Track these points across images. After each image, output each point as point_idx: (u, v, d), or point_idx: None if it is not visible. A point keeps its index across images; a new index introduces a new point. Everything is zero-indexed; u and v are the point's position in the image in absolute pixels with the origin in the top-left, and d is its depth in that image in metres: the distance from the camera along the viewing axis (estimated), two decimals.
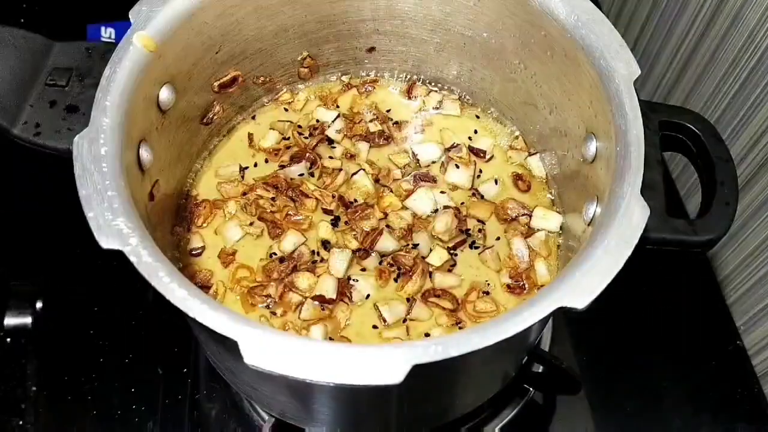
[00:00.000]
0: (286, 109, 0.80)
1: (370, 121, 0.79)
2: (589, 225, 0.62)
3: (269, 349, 0.44)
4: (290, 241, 0.69)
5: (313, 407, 0.63)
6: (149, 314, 0.85)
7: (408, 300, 0.67)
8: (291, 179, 0.74)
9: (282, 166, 0.75)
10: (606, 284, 0.48)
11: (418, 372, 0.43)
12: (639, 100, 0.56)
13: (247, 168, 0.75)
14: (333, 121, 0.78)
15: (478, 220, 0.73)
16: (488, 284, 0.69)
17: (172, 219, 0.71)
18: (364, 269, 0.69)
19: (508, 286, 0.69)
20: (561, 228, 0.71)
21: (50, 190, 0.83)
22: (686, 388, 0.86)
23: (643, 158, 0.53)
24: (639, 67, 0.57)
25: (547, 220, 0.71)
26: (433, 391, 0.61)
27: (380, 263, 0.69)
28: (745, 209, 0.91)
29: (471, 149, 0.77)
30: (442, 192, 0.74)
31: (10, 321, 0.85)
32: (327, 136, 0.77)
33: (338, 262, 0.68)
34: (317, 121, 0.79)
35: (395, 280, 0.69)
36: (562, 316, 0.87)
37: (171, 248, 0.68)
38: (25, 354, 0.83)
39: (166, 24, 0.60)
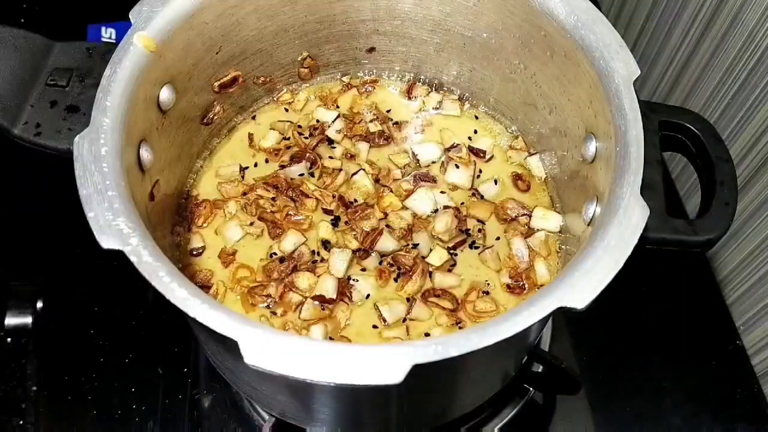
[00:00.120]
0: (286, 110, 0.80)
1: (370, 121, 0.79)
2: (588, 225, 0.62)
3: (269, 349, 0.44)
4: (290, 241, 0.69)
5: (314, 407, 0.63)
6: (149, 314, 0.85)
7: (408, 300, 0.68)
8: (291, 179, 0.74)
9: (282, 166, 0.75)
10: (606, 284, 0.48)
11: (418, 372, 0.43)
12: (638, 100, 0.56)
13: (247, 168, 0.75)
14: (333, 122, 0.78)
15: (478, 220, 0.73)
16: (488, 284, 0.69)
17: (173, 219, 0.71)
18: (364, 269, 0.69)
19: (508, 286, 0.69)
20: (561, 228, 0.71)
21: (50, 190, 0.83)
22: (686, 388, 0.86)
23: (642, 158, 0.53)
24: (638, 68, 0.57)
25: (547, 220, 0.71)
26: (433, 391, 0.61)
27: (380, 263, 0.70)
28: (745, 209, 0.91)
29: (471, 149, 0.77)
30: (442, 192, 0.74)
31: (10, 321, 0.85)
32: (327, 136, 0.77)
33: (338, 262, 0.68)
34: (317, 121, 0.79)
35: (395, 280, 0.69)
36: (562, 316, 0.87)
37: (171, 248, 0.68)
38: (25, 354, 0.83)
39: (166, 24, 0.60)
